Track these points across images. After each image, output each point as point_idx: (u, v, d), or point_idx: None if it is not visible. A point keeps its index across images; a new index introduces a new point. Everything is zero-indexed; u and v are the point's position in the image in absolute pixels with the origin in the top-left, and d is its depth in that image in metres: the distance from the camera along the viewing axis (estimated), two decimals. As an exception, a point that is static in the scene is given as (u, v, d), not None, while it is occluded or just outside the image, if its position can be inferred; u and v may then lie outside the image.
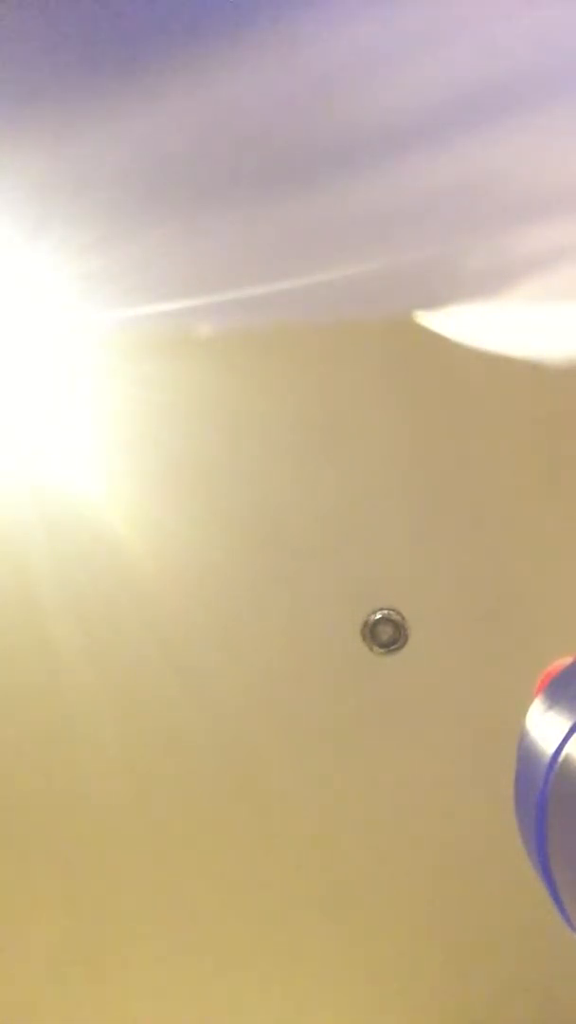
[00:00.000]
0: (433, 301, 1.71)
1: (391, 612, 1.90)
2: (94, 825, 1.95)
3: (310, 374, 1.88)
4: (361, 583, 1.91)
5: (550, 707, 0.54)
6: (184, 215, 1.42)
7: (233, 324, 1.76)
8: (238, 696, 1.93)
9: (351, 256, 1.56)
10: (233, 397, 1.87)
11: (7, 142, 1.19)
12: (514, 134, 1.24)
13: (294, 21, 1.01)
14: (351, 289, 1.66)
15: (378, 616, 1.90)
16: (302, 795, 1.96)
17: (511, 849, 0.61)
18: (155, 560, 1.88)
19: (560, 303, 1.65)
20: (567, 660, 0.59)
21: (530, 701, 0.58)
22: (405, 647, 1.91)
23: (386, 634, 1.91)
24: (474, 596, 1.93)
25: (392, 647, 1.91)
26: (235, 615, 1.92)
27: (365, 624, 1.91)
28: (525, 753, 0.54)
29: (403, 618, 1.90)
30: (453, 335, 1.74)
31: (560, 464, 1.91)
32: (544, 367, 1.77)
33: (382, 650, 1.91)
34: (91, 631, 1.90)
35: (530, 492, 1.91)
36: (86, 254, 1.48)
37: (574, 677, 0.56)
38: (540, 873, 0.51)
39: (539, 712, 0.55)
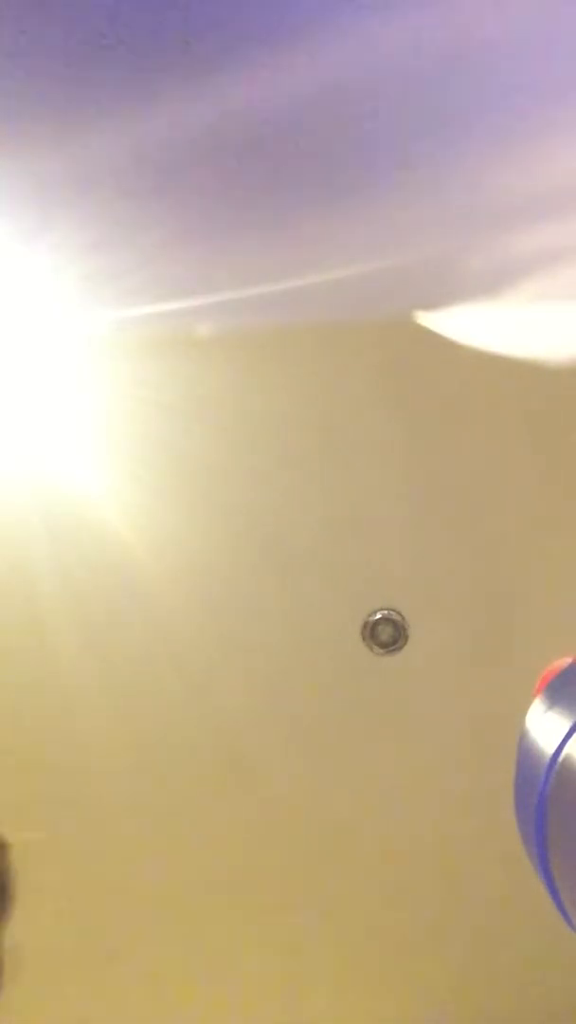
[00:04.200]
0: (433, 301, 1.71)
1: (391, 612, 1.91)
2: (93, 824, 1.95)
3: (310, 374, 1.88)
4: (361, 583, 1.92)
5: (550, 707, 0.54)
6: (184, 215, 1.42)
7: (233, 324, 1.76)
8: (238, 696, 1.94)
9: (350, 257, 1.56)
10: (233, 397, 1.87)
11: (7, 142, 1.19)
12: (514, 134, 1.24)
13: (294, 21, 1.01)
14: (350, 290, 1.67)
15: (378, 616, 1.91)
16: (301, 794, 1.96)
17: (511, 848, 0.61)
18: (155, 560, 1.88)
19: (560, 303, 1.65)
20: (567, 660, 0.59)
21: (530, 701, 0.58)
22: (405, 647, 1.91)
23: (386, 634, 1.91)
24: (474, 596, 1.93)
25: (392, 647, 1.91)
26: (235, 615, 1.92)
27: (365, 624, 1.91)
28: (525, 753, 0.54)
29: (403, 618, 1.91)
30: (452, 335, 1.75)
31: (560, 464, 1.91)
32: (544, 367, 1.77)
33: (382, 650, 1.91)
34: (91, 631, 1.90)
35: (530, 492, 1.91)
36: (86, 254, 1.49)
37: (574, 677, 0.56)
38: (540, 872, 0.51)
39: (539, 712, 0.55)
